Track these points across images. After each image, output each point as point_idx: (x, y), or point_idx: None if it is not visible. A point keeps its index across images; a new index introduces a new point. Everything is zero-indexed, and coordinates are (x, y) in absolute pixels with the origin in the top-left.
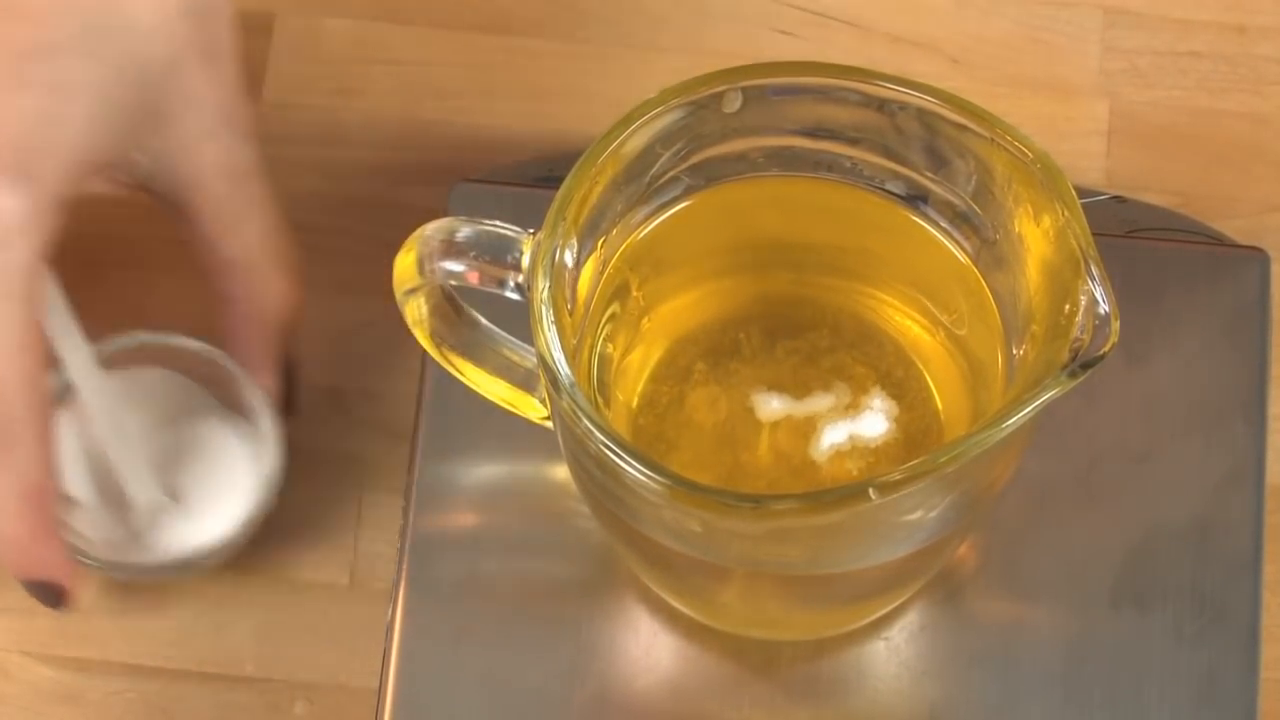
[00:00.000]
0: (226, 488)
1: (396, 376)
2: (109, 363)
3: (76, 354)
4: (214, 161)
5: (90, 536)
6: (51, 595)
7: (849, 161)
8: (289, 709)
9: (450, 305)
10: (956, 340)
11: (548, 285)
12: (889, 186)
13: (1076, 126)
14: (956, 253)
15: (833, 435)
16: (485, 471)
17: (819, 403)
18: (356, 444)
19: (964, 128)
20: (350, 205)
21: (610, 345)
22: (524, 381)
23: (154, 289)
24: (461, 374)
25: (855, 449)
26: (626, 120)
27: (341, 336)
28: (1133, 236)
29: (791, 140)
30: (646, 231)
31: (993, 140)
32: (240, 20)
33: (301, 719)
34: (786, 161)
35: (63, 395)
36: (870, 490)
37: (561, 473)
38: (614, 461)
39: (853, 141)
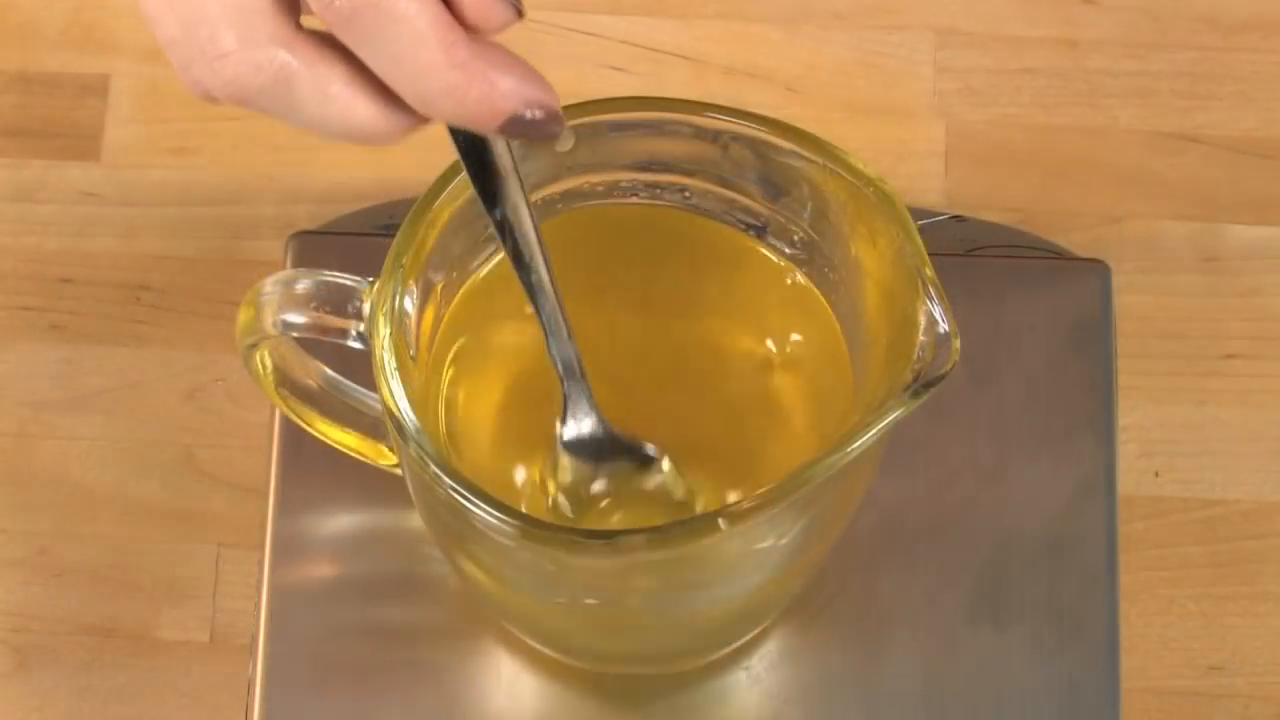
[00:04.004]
0: None
1: (249, 431)
2: None
3: None
4: None
5: None
6: (539, 119)
7: (686, 194)
8: None
9: (294, 357)
10: (802, 365)
11: (389, 333)
12: (727, 216)
13: (914, 148)
14: (799, 279)
15: (683, 467)
16: (341, 522)
17: (668, 435)
18: (212, 501)
19: (797, 155)
20: (193, 263)
21: (456, 388)
22: (372, 429)
23: None
24: (309, 425)
25: (705, 479)
26: (459, 165)
27: (193, 394)
28: (974, 255)
29: (626, 175)
30: (485, 272)
31: (825, 166)
32: (75, 83)
33: None
34: (623, 197)
35: None
36: (720, 520)
37: (416, 519)
38: (463, 505)
39: (688, 174)
